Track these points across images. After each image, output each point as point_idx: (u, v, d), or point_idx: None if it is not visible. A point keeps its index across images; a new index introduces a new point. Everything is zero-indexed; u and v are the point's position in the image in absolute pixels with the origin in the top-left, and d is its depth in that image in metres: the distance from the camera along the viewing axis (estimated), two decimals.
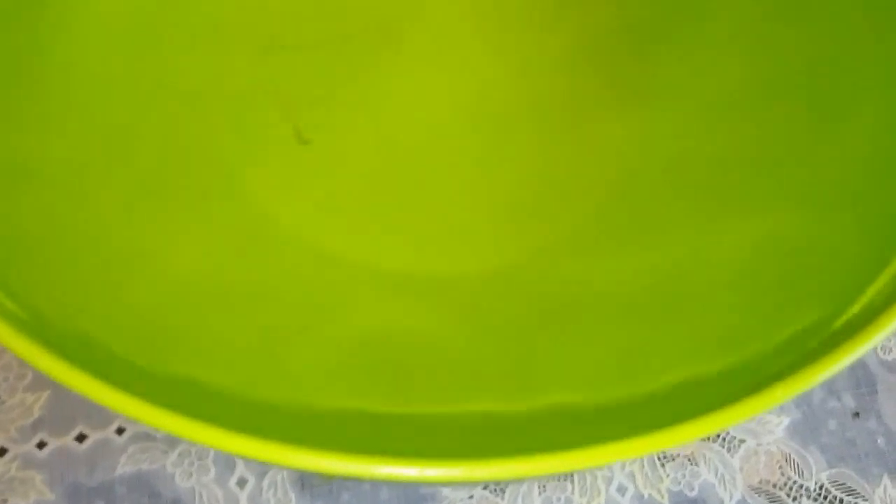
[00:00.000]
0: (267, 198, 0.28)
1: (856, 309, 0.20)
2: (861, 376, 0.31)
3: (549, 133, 0.31)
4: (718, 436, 0.30)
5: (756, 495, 0.29)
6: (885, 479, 0.29)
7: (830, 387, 0.31)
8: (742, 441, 0.30)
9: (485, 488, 0.29)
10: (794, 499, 0.29)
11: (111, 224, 0.24)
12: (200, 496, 0.28)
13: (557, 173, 0.30)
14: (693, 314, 0.23)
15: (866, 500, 0.29)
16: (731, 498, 0.29)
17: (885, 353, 0.32)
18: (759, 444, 0.30)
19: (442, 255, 0.28)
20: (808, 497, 0.29)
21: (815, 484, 0.29)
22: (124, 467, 0.29)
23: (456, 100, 0.32)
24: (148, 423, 0.15)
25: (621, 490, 0.29)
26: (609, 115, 0.31)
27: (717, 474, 0.29)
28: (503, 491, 0.28)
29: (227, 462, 0.29)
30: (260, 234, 0.27)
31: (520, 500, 0.28)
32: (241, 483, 0.28)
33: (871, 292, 0.21)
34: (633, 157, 0.29)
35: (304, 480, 0.28)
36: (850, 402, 0.31)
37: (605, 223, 0.28)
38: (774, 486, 0.29)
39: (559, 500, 0.28)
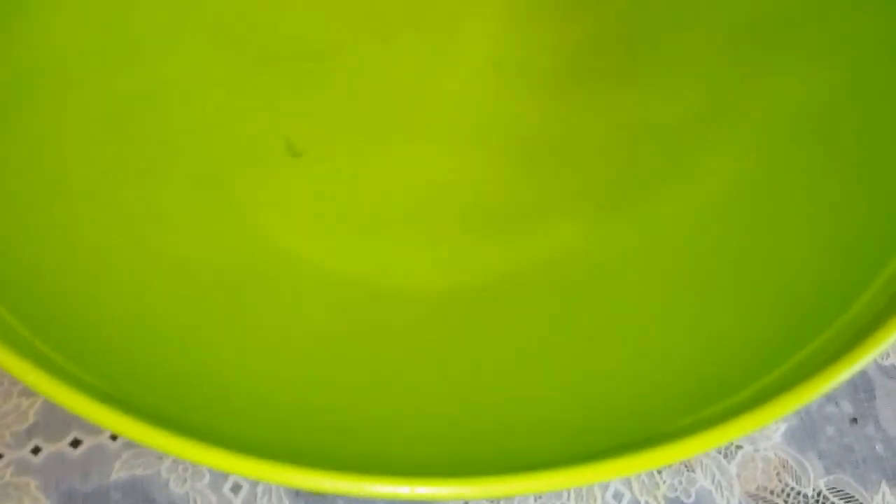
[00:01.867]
0: (259, 212, 0.28)
1: (854, 320, 0.20)
2: (859, 382, 0.31)
3: (548, 149, 0.31)
4: None
5: (753, 502, 0.29)
6: (884, 486, 0.29)
7: (828, 392, 0.31)
8: (739, 447, 0.30)
9: None
10: None
11: (102, 239, 0.24)
12: (195, 502, 0.28)
13: (555, 187, 0.30)
14: (691, 328, 0.23)
15: None
16: None
17: (883, 359, 0.31)
18: (756, 450, 0.30)
19: (435, 270, 0.27)
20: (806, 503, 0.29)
21: (813, 490, 0.29)
22: (119, 473, 0.28)
23: (451, 110, 0.31)
24: (136, 440, 0.15)
25: (617, 496, 0.29)
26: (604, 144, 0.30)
27: (713, 481, 0.29)
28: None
29: None
30: (250, 248, 0.27)
31: None
32: (236, 489, 0.28)
33: (869, 302, 0.20)
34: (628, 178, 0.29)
35: None
36: (848, 407, 0.31)
37: (599, 240, 0.28)
38: (772, 492, 0.29)
39: None
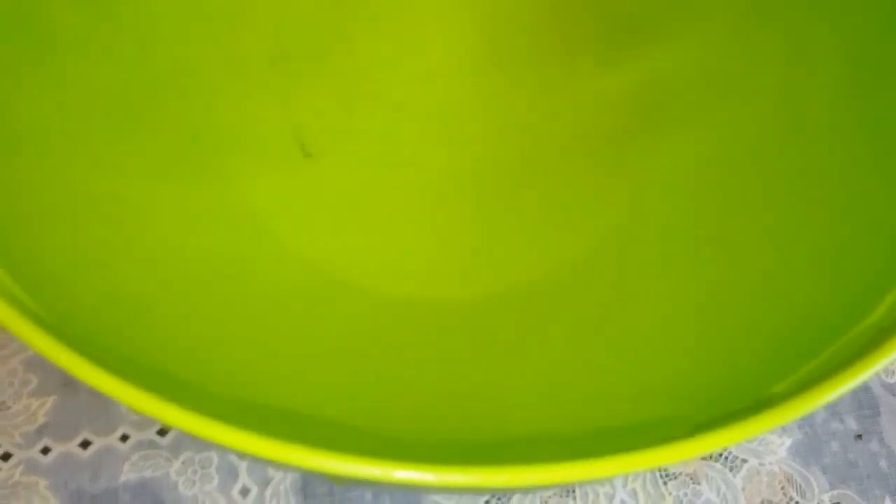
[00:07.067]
0: (271, 215, 0.28)
1: (860, 331, 0.20)
2: (863, 398, 0.31)
3: (561, 146, 0.31)
4: (721, 455, 0.30)
5: None
6: (887, 501, 0.30)
7: (833, 408, 0.31)
8: (744, 461, 0.30)
9: (486, 503, 0.29)
10: None
11: (117, 236, 0.24)
12: None
13: (571, 194, 0.30)
14: (693, 334, 0.23)
15: None
16: None
17: (888, 376, 0.32)
18: (761, 464, 0.30)
19: (444, 279, 0.28)
20: None
21: None
22: (128, 474, 0.29)
23: (465, 111, 0.32)
24: (167, 421, 0.15)
25: None
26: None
27: (719, 493, 0.29)
28: None
29: (230, 471, 0.29)
30: (262, 252, 0.27)
31: None
32: (244, 492, 0.28)
33: (875, 316, 0.21)
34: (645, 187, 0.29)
35: (307, 490, 0.28)
36: (852, 423, 0.31)
37: (609, 253, 0.28)
38: None
39: None
